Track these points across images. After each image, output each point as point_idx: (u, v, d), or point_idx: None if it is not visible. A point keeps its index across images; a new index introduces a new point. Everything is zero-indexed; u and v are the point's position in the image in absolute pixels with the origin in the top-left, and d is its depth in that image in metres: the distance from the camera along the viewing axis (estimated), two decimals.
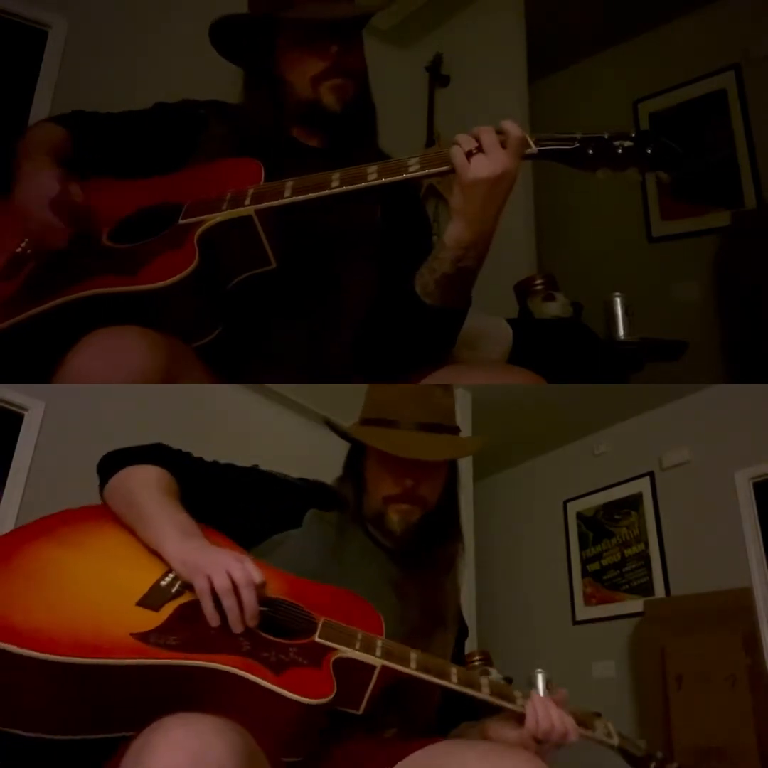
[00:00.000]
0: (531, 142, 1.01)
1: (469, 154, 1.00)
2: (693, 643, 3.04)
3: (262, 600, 0.93)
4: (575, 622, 3.98)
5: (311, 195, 1.03)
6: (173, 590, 0.92)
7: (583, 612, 3.96)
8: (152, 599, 0.90)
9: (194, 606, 0.90)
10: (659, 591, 3.56)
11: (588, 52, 4.07)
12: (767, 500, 3.21)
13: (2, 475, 2.42)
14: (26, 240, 1.10)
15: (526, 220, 3.22)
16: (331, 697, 0.84)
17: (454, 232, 1.04)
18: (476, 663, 2.70)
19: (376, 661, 0.92)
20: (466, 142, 1.01)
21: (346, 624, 0.96)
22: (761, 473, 3.22)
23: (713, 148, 3.55)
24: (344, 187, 1.02)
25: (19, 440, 2.49)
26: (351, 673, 0.91)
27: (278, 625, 0.93)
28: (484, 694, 0.98)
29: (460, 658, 1.17)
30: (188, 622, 0.88)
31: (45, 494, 2.35)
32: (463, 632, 1.19)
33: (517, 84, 3.34)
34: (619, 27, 3.85)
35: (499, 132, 1.01)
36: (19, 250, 1.09)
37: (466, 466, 3.47)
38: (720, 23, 3.57)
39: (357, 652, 0.92)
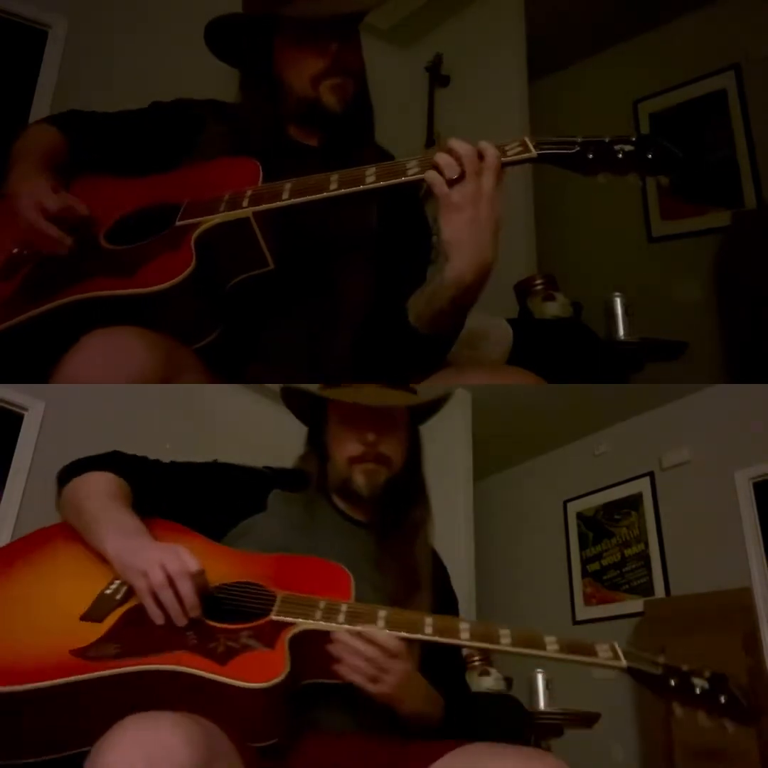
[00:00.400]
0: (531, 146, 1.01)
1: (450, 181, 0.98)
2: (693, 643, 3.04)
3: (217, 587, 0.93)
4: (575, 622, 3.98)
5: (309, 197, 1.02)
6: (118, 597, 0.92)
7: (583, 612, 3.96)
8: (96, 611, 0.90)
9: (140, 609, 0.90)
10: (659, 591, 3.56)
11: (588, 52, 4.07)
12: (767, 500, 3.21)
13: (2, 475, 2.42)
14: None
15: (526, 220, 3.21)
16: (280, 678, 0.83)
17: (455, 270, 1.00)
18: (476, 662, 2.70)
19: (337, 627, 0.91)
20: (449, 171, 0.98)
21: (311, 593, 0.95)
22: (761, 473, 3.22)
23: (713, 148, 3.55)
24: (343, 190, 1.02)
25: (19, 440, 2.49)
26: (320, 643, 0.90)
27: (236, 609, 0.93)
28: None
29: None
30: (134, 626, 0.88)
31: (45, 494, 2.35)
32: (451, 603, 1.19)
33: (517, 84, 3.34)
34: (619, 27, 3.84)
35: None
36: (16, 251, 1.09)
37: (465, 466, 3.48)
38: (720, 23, 3.56)
39: (317, 623, 0.91)
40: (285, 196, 1.03)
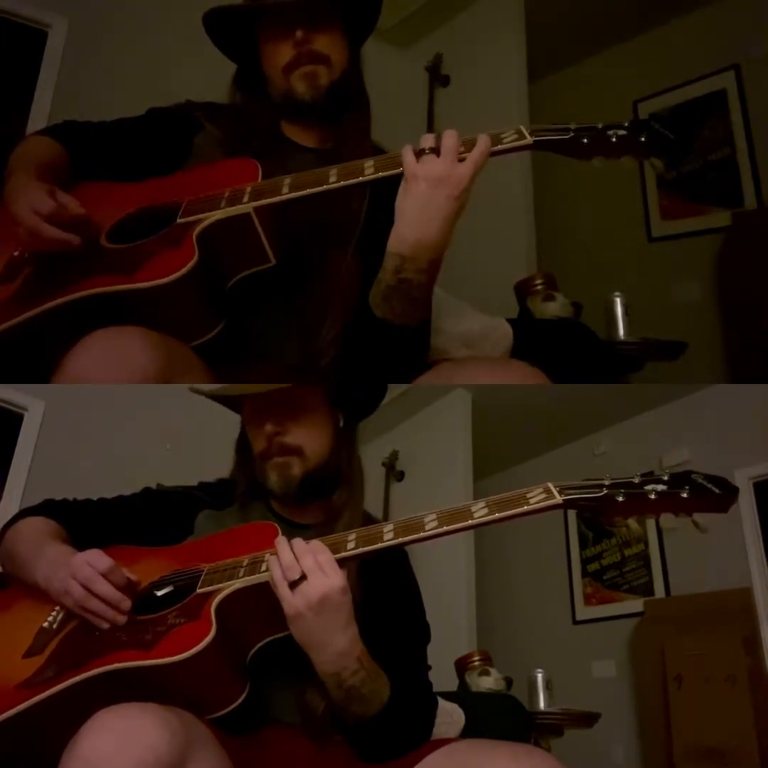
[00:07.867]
0: (526, 133, 1.02)
1: (421, 154, 0.99)
2: (693, 643, 3.04)
3: (150, 583, 0.97)
4: (575, 622, 3.98)
5: (309, 191, 1.03)
6: (55, 626, 0.96)
7: (583, 612, 3.96)
8: (37, 645, 0.94)
9: (76, 629, 0.94)
10: (659, 591, 3.56)
11: (588, 52, 4.07)
12: (767, 500, 3.21)
13: (2, 475, 2.42)
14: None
15: (526, 220, 3.22)
16: (205, 643, 0.85)
17: (393, 236, 1.01)
18: (476, 663, 2.69)
19: (258, 578, 0.91)
20: (424, 141, 1.00)
21: (239, 554, 0.96)
22: (761, 473, 3.22)
23: (713, 148, 3.55)
24: (342, 182, 1.02)
25: (19, 440, 2.50)
26: (259, 599, 0.91)
27: (172, 597, 0.95)
28: None
29: (419, 662, 1.10)
30: (71, 646, 0.92)
31: (45, 494, 2.35)
32: (422, 634, 1.12)
33: (517, 84, 3.34)
34: (619, 27, 3.84)
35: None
36: (16, 253, 1.09)
37: (465, 466, 3.48)
38: (720, 23, 3.56)
39: (234, 581, 0.92)
40: (285, 190, 1.03)
